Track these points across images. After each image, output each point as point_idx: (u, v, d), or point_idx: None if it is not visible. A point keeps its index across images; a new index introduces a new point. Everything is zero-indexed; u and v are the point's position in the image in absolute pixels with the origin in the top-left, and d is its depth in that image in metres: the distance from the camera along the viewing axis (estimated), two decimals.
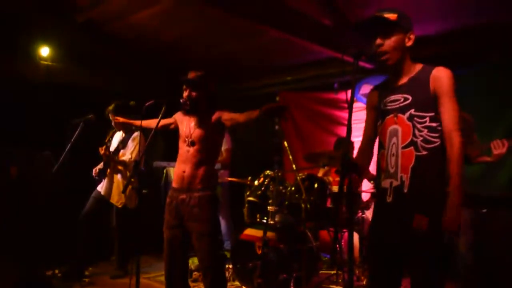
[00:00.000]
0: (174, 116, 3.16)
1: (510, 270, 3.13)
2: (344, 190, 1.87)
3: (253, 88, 6.46)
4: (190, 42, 5.35)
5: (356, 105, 5.41)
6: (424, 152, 2.01)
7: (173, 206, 2.91)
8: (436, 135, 2.01)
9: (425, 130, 2.02)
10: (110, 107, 4.36)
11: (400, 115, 2.09)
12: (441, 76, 2.02)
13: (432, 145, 2.01)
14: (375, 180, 2.29)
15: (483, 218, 3.16)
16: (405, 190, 2.03)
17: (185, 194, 2.86)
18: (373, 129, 2.27)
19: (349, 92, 2.05)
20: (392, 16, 2.06)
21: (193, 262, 4.12)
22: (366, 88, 5.20)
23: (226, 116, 2.89)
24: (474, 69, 4.24)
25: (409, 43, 2.10)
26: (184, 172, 2.89)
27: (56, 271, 4.15)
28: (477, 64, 4.29)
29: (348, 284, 1.95)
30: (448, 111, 1.99)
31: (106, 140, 4.39)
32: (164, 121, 3.09)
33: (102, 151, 4.20)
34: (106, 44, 5.52)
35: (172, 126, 3.17)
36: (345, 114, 5.51)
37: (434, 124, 2.02)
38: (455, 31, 4.25)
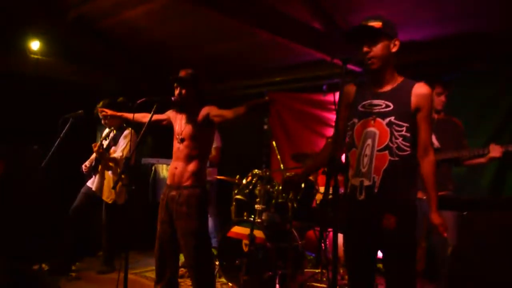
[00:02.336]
0: (167, 113, 3.20)
1: (491, 273, 3.22)
2: (330, 191, 1.96)
3: (242, 87, 6.51)
4: (180, 41, 5.38)
5: None
6: (396, 158, 2.15)
7: (164, 202, 2.97)
8: (408, 144, 2.17)
9: (400, 138, 2.16)
10: (99, 104, 4.36)
11: (378, 119, 2.20)
12: (423, 93, 2.18)
13: (404, 153, 2.16)
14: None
15: (464, 221, 3.25)
16: (375, 190, 2.17)
17: (175, 191, 2.92)
18: (345, 124, 2.35)
19: (337, 94, 2.14)
20: (377, 24, 2.16)
21: (181, 258, 4.16)
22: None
23: (214, 112, 2.92)
24: (457, 75, 4.35)
25: (394, 49, 2.21)
26: (176, 168, 2.95)
27: (43, 266, 4.14)
28: (461, 71, 4.40)
29: (332, 283, 2.03)
30: (426, 126, 2.19)
31: (101, 139, 4.39)
32: (156, 116, 3.13)
33: (95, 147, 4.22)
34: (96, 40, 5.54)
35: (165, 122, 3.21)
36: (333, 116, 5.59)
37: (408, 134, 2.17)
38: (441, 38, 4.35)
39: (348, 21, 4.44)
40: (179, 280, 3.96)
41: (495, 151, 3.17)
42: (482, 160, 3.31)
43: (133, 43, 5.66)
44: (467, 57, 4.41)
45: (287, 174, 4.26)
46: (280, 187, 4.19)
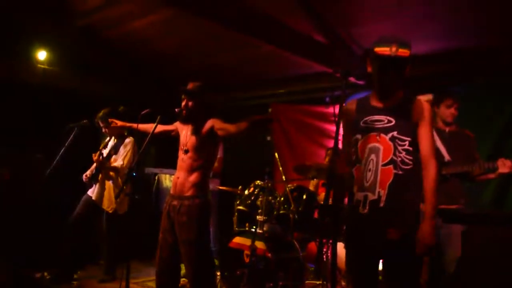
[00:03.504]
0: (175, 124, 3.23)
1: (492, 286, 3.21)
2: (329, 202, 1.99)
3: (246, 98, 6.56)
4: (185, 52, 5.44)
5: None
6: (401, 172, 2.19)
7: (166, 211, 2.99)
8: (411, 158, 2.20)
9: (404, 153, 2.20)
10: (100, 114, 4.41)
11: (382, 135, 2.24)
12: (423, 107, 2.24)
13: (408, 167, 2.20)
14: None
15: (466, 235, 3.24)
16: (381, 204, 2.19)
17: (177, 200, 2.94)
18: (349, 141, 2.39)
19: (337, 107, 2.17)
20: (405, 52, 2.14)
21: (182, 268, 4.17)
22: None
23: (218, 126, 2.96)
24: (458, 89, 4.38)
25: (406, 72, 2.24)
26: (178, 178, 2.98)
27: (45, 274, 4.17)
28: (461, 85, 4.42)
29: None
30: (427, 138, 2.22)
31: (100, 148, 4.44)
32: (164, 127, 3.17)
33: (95, 157, 4.25)
34: (102, 50, 5.60)
35: (173, 133, 3.25)
36: (335, 128, 5.60)
37: (410, 148, 2.21)
38: (441, 52, 4.39)
39: (351, 34, 4.49)
40: None
41: (506, 166, 3.11)
42: (492, 175, 3.26)
43: (138, 54, 5.73)
44: (468, 71, 4.45)
45: (289, 185, 4.29)
46: (282, 199, 4.22)
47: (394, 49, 2.14)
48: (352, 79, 2.51)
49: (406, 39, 2.17)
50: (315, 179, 4.48)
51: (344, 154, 2.48)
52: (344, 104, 5.60)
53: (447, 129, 3.45)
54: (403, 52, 2.14)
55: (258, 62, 5.42)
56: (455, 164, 3.31)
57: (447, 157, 3.35)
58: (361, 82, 4.98)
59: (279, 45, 4.35)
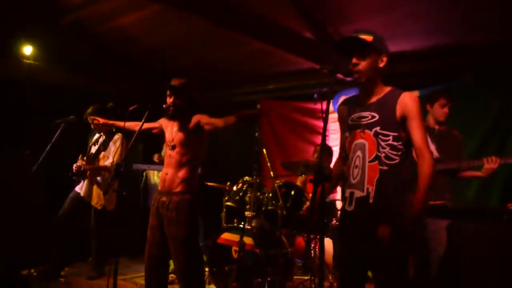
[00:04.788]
0: (159, 121, 3.23)
1: (477, 280, 3.27)
2: (317, 198, 2.00)
3: (235, 95, 6.56)
4: (173, 48, 5.41)
5: (333, 115, 5.56)
6: (386, 167, 2.19)
7: (155, 208, 2.99)
8: (397, 153, 2.19)
9: (388, 148, 2.20)
10: (89, 110, 4.38)
11: (367, 131, 2.25)
12: (408, 101, 2.21)
13: (393, 162, 2.19)
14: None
15: (451, 229, 3.30)
16: (371, 201, 2.19)
17: (166, 197, 2.94)
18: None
19: (325, 103, 2.19)
20: (368, 37, 2.21)
21: (170, 264, 4.17)
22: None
23: (205, 120, 2.95)
24: (447, 86, 4.42)
25: (382, 65, 2.26)
26: (166, 174, 2.98)
27: (32, 271, 4.14)
28: (450, 82, 4.47)
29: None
30: (417, 130, 2.18)
31: (90, 145, 4.37)
32: (148, 125, 3.16)
33: (82, 162, 4.23)
34: (90, 46, 5.55)
35: (156, 130, 3.24)
36: (322, 124, 5.63)
37: (395, 143, 2.20)
38: (430, 49, 4.44)
39: (340, 32, 4.51)
40: (169, 286, 3.98)
41: (492, 162, 3.19)
42: (479, 173, 3.33)
43: (126, 49, 5.69)
44: (454, 69, 4.50)
45: (277, 181, 4.31)
46: (270, 195, 4.23)
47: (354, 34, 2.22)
48: (339, 75, 2.56)
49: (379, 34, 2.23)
50: (303, 175, 4.50)
51: (340, 153, 2.52)
52: (332, 101, 5.64)
53: (436, 128, 3.52)
54: (364, 36, 2.20)
55: (247, 59, 5.42)
56: (444, 161, 3.39)
57: (436, 154, 3.41)
58: (349, 79, 5.00)
59: (267, 41, 4.36)
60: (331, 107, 6.22)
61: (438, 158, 3.41)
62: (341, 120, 2.47)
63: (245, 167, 5.95)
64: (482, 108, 4.33)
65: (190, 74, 3.20)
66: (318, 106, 6.43)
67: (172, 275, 4.24)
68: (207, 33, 4.74)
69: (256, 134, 6.16)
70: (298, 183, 4.74)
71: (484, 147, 4.15)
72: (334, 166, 2.62)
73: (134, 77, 6.22)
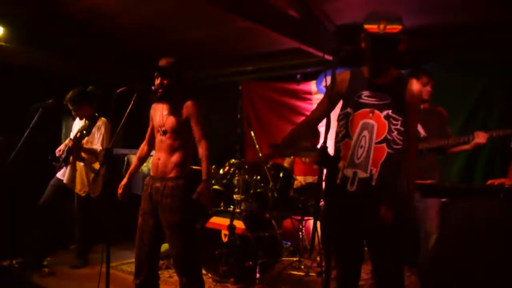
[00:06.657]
0: (150, 114, 3.10)
1: (469, 259, 3.32)
2: (323, 181, 1.96)
3: (215, 76, 6.44)
4: (152, 27, 5.21)
5: (317, 96, 5.53)
6: (392, 151, 2.19)
7: (148, 193, 2.90)
8: (402, 138, 2.21)
9: (396, 132, 2.20)
10: (68, 96, 4.21)
11: (376, 111, 2.22)
12: (416, 90, 2.25)
13: (398, 146, 2.20)
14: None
15: (443, 208, 3.34)
16: (373, 183, 2.19)
17: (159, 182, 2.85)
18: (326, 113, 2.29)
19: (308, 84, 2.15)
20: (395, 29, 2.10)
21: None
22: (328, 81, 5.33)
23: (193, 125, 2.89)
24: (428, 65, 4.44)
25: (401, 49, 2.19)
26: (159, 159, 2.89)
27: (14, 262, 3.99)
28: (432, 61, 4.49)
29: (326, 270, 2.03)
30: (414, 121, 2.29)
31: (78, 131, 4.19)
32: (150, 132, 3.14)
33: (70, 143, 4.07)
34: (65, 25, 5.27)
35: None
36: (306, 105, 5.61)
37: (402, 128, 2.21)
38: (413, 28, 4.42)
39: (324, 10, 4.44)
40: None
41: (480, 137, 3.24)
42: (466, 147, 3.38)
43: (104, 29, 5.42)
44: (438, 48, 4.52)
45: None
46: (258, 177, 4.20)
47: (382, 26, 2.11)
48: (327, 56, 2.50)
49: (396, 14, 2.12)
50: (291, 157, 4.47)
51: (312, 118, 2.48)
52: (316, 81, 5.52)
53: (421, 107, 3.52)
54: (392, 28, 2.10)
55: (228, 39, 5.29)
56: (431, 139, 3.41)
57: (423, 133, 3.43)
58: (329, 58, 4.97)
59: (252, 19, 4.24)
60: (315, 88, 6.16)
61: (425, 137, 3.44)
62: (337, 89, 2.31)
63: (228, 149, 5.91)
64: (465, 88, 4.38)
65: (167, 53, 3.03)
66: (301, 87, 6.41)
67: (162, 261, 4.19)
68: (186, 11, 4.57)
69: (239, 115, 6.13)
70: (285, 164, 4.72)
71: (469, 123, 4.21)
72: (297, 127, 2.60)
73: (113, 58, 5.99)
